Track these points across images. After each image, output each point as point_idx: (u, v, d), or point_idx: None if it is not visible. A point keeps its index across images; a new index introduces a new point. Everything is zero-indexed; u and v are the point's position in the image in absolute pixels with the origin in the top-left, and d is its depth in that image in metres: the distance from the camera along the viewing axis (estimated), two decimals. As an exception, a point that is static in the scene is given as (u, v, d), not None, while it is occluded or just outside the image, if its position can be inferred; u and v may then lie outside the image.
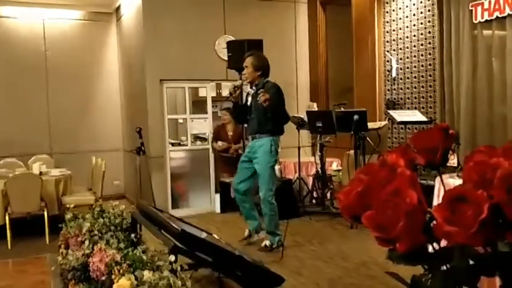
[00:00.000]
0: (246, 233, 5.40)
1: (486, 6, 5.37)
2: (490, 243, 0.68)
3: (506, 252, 0.67)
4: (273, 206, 4.97)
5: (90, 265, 2.88)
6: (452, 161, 4.11)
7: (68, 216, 3.74)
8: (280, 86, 5.01)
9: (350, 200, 0.79)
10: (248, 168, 5.13)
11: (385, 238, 0.70)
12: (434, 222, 0.70)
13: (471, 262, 0.73)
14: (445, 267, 0.76)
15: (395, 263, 0.75)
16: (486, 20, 5.39)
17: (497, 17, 5.26)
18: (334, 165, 7.32)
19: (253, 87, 5.09)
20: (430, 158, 0.87)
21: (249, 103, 5.16)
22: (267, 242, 5.05)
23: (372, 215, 0.72)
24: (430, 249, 0.76)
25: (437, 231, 0.66)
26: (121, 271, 2.63)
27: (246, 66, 5.04)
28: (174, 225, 3.11)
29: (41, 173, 6.46)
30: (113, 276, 2.63)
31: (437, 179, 3.68)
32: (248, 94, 5.24)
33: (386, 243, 0.71)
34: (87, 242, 3.12)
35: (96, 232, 3.31)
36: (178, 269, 2.63)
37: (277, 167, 7.29)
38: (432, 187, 4.05)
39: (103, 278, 2.77)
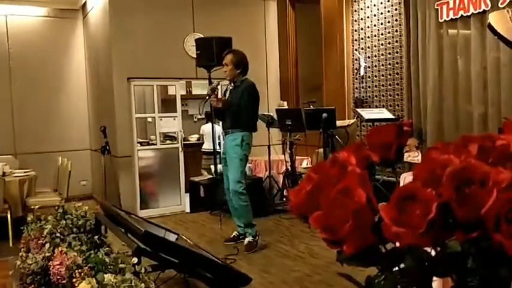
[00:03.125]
0: (235, 234, 5.23)
1: (451, 5, 5.45)
2: (440, 244, 0.65)
3: (456, 252, 0.65)
4: (245, 197, 4.90)
5: (51, 269, 2.79)
6: (417, 157, 4.15)
7: (29, 218, 3.63)
8: (255, 85, 5.03)
9: (299, 199, 0.76)
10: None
11: (333, 240, 0.67)
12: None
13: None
14: (397, 268, 0.74)
15: (343, 265, 0.72)
16: (451, 19, 5.48)
17: (461, 15, 5.34)
18: (304, 163, 7.33)
19: (232, 84, 5.09)
20: (384, 155, 0.85)
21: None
22: (249, 238, 4.93)
23: (319, 216, 0.69)
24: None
25: (386, 232, 0.64)
26: (82, 274, 2.55)
27: (226, 64, 4.99)
28: (138, 226, 3.04)
29: (4, 174, 6.27)
30: (74, 280, 2.56)
31: (402, 176, 3.71)
32: (227, 90, 5.20)
33: (334, 245, 0.68)
34: (47, 245, 3.03)
35: (58, 234, 3.21)
36: (142, 271, 2.57)
37: (247, 165, 7.29)
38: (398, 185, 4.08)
39: (64, 281, 2.69)
